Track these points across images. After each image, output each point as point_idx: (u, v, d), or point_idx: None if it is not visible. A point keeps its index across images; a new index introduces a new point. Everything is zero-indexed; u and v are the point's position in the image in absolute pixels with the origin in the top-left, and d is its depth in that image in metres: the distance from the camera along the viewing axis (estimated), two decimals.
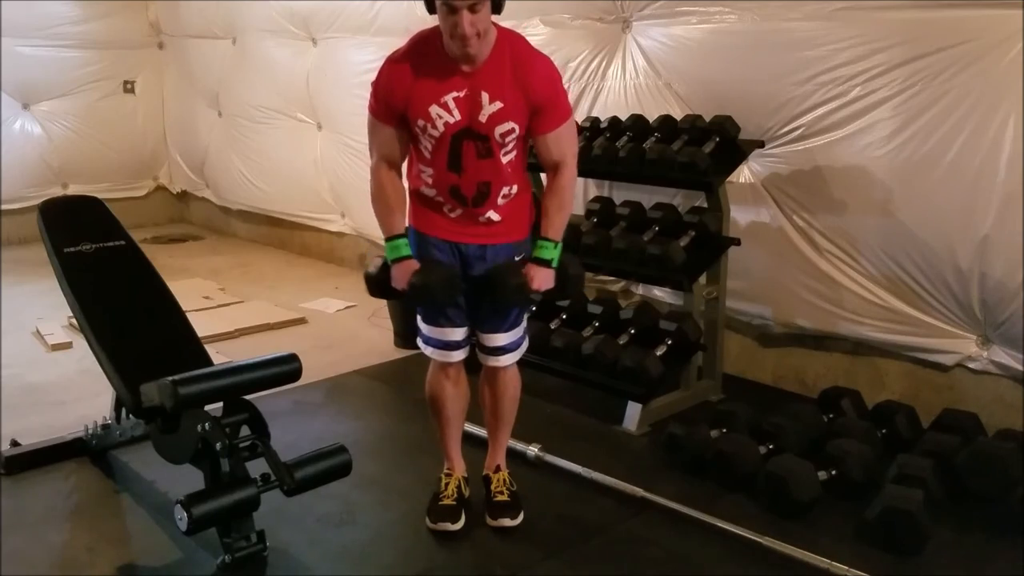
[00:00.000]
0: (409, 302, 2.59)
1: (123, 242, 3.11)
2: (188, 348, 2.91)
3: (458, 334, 2.61)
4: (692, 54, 3.87)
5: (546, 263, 2.50)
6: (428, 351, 2.67)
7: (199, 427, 2.45)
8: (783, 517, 2.74)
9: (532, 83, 2.36)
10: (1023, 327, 3.12)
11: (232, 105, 6.99)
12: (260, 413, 2.60)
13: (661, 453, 3.19)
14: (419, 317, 2.65)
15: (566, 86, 4.33)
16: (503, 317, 2.61)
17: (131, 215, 5.91)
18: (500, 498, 2.75)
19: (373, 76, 2.43)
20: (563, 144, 2.47)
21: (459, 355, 2.66)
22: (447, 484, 2.77)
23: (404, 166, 2.56)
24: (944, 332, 3.36)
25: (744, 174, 3.81)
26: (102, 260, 3.01)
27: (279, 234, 7.04)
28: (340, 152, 5.95)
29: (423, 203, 2.54)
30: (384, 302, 4.66)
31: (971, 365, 3.33)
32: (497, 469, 2.82)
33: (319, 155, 6.20)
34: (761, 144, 3.65)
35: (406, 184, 2.58)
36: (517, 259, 2.54)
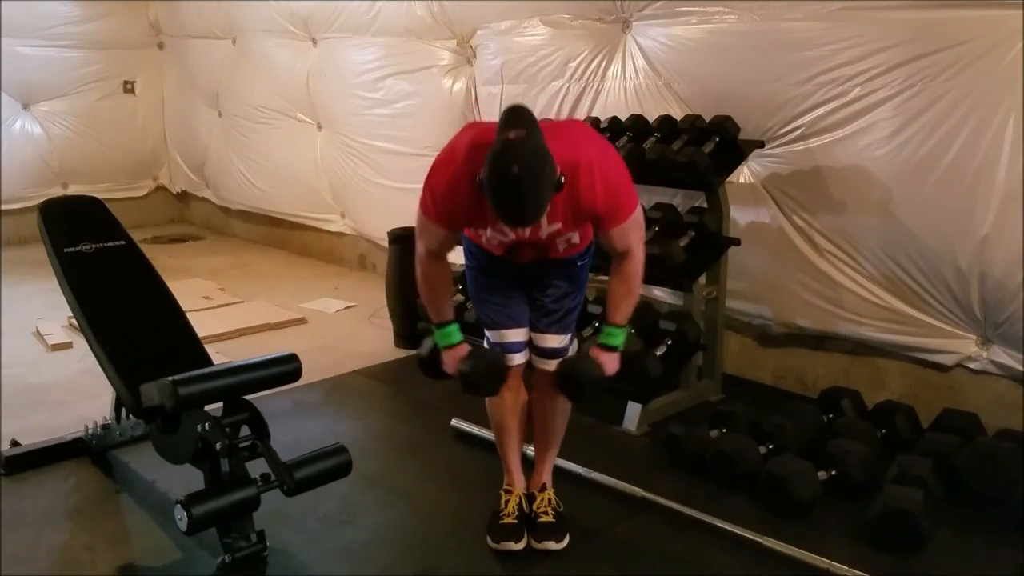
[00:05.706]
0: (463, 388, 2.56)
1: (123, 242, 3.11)
2: (188, 348, 2.91)
3: (519, 334, 2.56)
4: (692, 54, 3.87)
5: (613, 349, 2.47)
6: None
7: (199, 427, 2.45)
8: (783, 517, 2.74)
9: (589, 209, 2.30)
10: (1023, 327, 3.12)
11: (232, 105, 6.99)
12: (260, 413, 2.60)
13: (661, 453, 3.19)
14: (484, 328, 2.61)
15: (566, 87, 4.42)
16: (555, 315, 2.55)
17: (131, 215, 5.92)
18: (544, 519, 2.62)
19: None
20: (629, 236, 2.38)
21: (519, 358, 2.59)
22: (507, 501, 2.65)
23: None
24: (944, 332, 3.36)
25: (744, 174, 3.81)
26: (102, 260, 3.01)
27: (279, 234, 7.04)
28: (340, 152, 5.95)
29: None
30: (384, 302, 4.68)
31: (971, 365, 3.33)
32: (543, 488, 2.70)
33: (319, 155, 6.21)
34: (761, 144, 3.65)
35: None
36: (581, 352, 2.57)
